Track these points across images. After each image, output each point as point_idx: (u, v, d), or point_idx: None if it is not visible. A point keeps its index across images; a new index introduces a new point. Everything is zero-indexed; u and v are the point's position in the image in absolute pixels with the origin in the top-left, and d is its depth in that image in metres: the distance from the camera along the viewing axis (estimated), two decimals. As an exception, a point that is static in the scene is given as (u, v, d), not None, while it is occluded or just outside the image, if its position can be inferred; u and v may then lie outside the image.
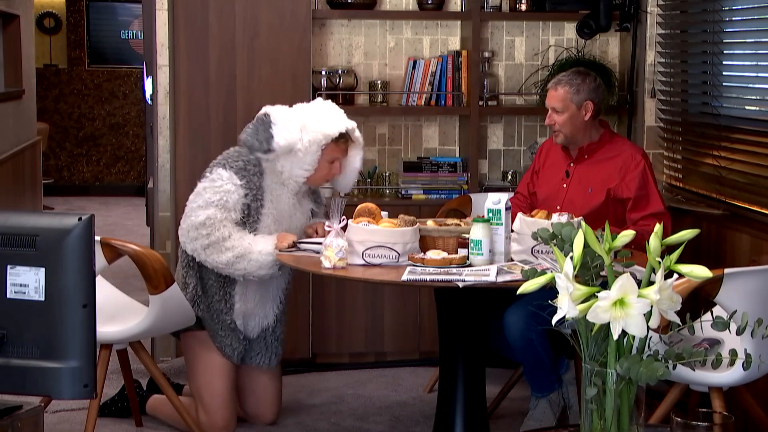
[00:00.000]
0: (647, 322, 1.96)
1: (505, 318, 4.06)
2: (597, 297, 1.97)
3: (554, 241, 2.14)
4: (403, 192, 5.24)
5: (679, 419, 2.01)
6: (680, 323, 2.05)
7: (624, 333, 1.97)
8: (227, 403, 4.13)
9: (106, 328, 3.92)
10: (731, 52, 4.65)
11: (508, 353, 4.26)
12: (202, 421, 4.12)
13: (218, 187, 3.91)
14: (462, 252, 3.60)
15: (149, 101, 7.44)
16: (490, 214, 3.57)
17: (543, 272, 2.11)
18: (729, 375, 3.36)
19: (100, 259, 3.85)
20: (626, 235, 2.10)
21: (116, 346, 4.04)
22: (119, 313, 4.12)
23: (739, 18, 4.58)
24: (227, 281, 4.07)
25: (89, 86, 11.82)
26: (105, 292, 4.21)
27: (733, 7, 4.57)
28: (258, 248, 3.90)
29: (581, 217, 3.60)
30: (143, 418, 4.33)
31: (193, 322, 4.06)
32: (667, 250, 2.08)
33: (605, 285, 2.02)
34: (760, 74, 4.49)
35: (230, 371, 4.15)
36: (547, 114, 4.24)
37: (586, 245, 2.05)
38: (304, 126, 3.96)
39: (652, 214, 4.09)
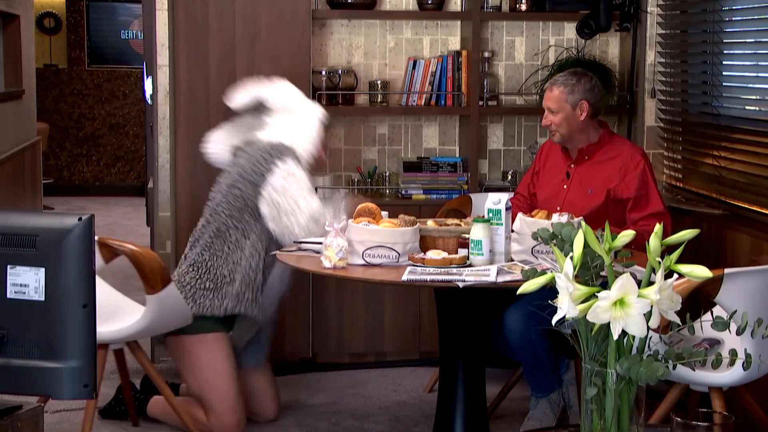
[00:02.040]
0: (647, 322, 1.96)
1: (505, 318, 4.06)
2: (597, 297, 1.96)
3: (554, 241, 2.14)
4: (403, 192, 5.24)
5: (679, 419, 2.01)
6: (680, 323, 2.05)
7: (624, 333, 1.97)
8: (237, 404, 4.12)
9: (103, 328, 3.91)
10: (731, 52, 4.65)
11: (507, 353, 4.26)
12: (212, 425, 4.10)
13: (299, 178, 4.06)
14: (462, 252, 3.59)
15: (149, 101, 7.44)
16: (491, 214, 3.57)
17: (543, 272, 2.11)
18: (729, 375, 3.36)
19: (97, 259, 3.85)
20: (626, 235, 2.10)
21: (112, 345, 4.04)
22: (116, 313, 4.12)
23: (739, 18, 4.58)
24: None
25: (89, 86, 11.82)
26: (101, 291, 4.20)
27: (733, 7, 4.57)
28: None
29: (581, 218, 3.60)
30: (140, 419, 4.33)
31: (190, 322, 4.05)
32: (667, 250, 2.08)
33: (605, 285, 2.02)
34: (760, 74, 4.49)
35: (234, 372, 4.15)
36: (544, 114, 4.25)
37: (586, 245, 2.04)
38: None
39: (651, 214, 4.09)
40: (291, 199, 4.01)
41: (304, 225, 3.98)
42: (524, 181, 4.51)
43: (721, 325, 2.05)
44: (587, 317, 1.96)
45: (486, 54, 5.36)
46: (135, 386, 4.43)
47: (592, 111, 4.19)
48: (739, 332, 2.08)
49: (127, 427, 4.31)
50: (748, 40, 4.58)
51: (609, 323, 1.96)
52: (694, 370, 3.00)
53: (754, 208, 4.30)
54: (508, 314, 4.05)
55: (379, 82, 5.34)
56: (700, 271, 2.02)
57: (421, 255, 3.54)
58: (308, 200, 4.01)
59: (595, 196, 4.18)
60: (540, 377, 4.17)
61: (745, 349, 2.57)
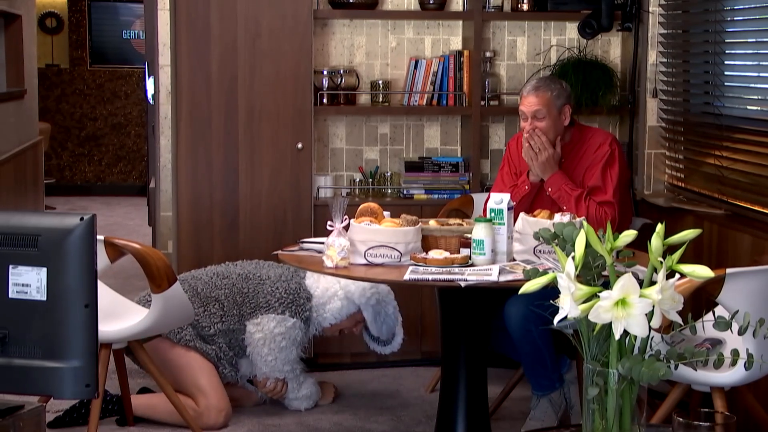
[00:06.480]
0: (649, 322, 1.96)
1: (506, 309, 4.05)
2: (599, 297, 1.97)
3: (556, 241, 2.14)
4: (405, 192, 5.24)
5: (680, 419, 2.01)
6: (682, 323, 2.05)
7: (626, 333, 1.97)
8: (221, 385, 4.33)
9: (108, 327, 3.92)
10: (733, 51, 4.65)
11: (509, 352, 4.26)
12: (202, 408, 4.24)
13: None
14: (464, 252, 3.60)
15: (151, 101, 7.44)
16: (492, 214, 3.57)
17: (545, 272, 2.11)
18: (731, 375, 3.35)
19: (103, 258, 3.86)
20: (627, 235, 2.10)
21: (114, 346, 4.04)
22: (118, 313, 4.13)
23: (741, 18, 4.58)
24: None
25: (91, 86, 11.82)
26: (103, 293, 4.21)
27: (735, 7, 4.57)
28: None
29: (583, 218, 3.60)
30: (134, 419, 4.35)
31: (192, 320, 4.18)
32: (669, 250, 2.08)
33: (607, 285, 2.02)
34: (761, 74, 4.50)
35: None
36: (527, 121, 4.20)
37: (587, 245, 2.05)
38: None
39: (599, 202, 4.09)
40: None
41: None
42: (501, 183, 4.41)
43: (723, 325, 2.05)
44: (589, 317, 1.96)
45: (488, 54, 5.36)
46: (107, 391, 4.41)
47: (571, 115, 4.22)
48: (740, 332, 2.08)
49: (124, 427, 4.31)
50: (749, 40, 4.58)
51: (611, 323, 1.96)
52: (695, 370, 3.00)
53: (756, 208, 4.30)
54: (509, 305, 4.05)
55: (380, 82, 5.34)
56: (701, 271, 2.02)
57: (423, 255, 3.54)
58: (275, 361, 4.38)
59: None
60: (540, 374, 4.16)
61: (747, 349, 2.57)
